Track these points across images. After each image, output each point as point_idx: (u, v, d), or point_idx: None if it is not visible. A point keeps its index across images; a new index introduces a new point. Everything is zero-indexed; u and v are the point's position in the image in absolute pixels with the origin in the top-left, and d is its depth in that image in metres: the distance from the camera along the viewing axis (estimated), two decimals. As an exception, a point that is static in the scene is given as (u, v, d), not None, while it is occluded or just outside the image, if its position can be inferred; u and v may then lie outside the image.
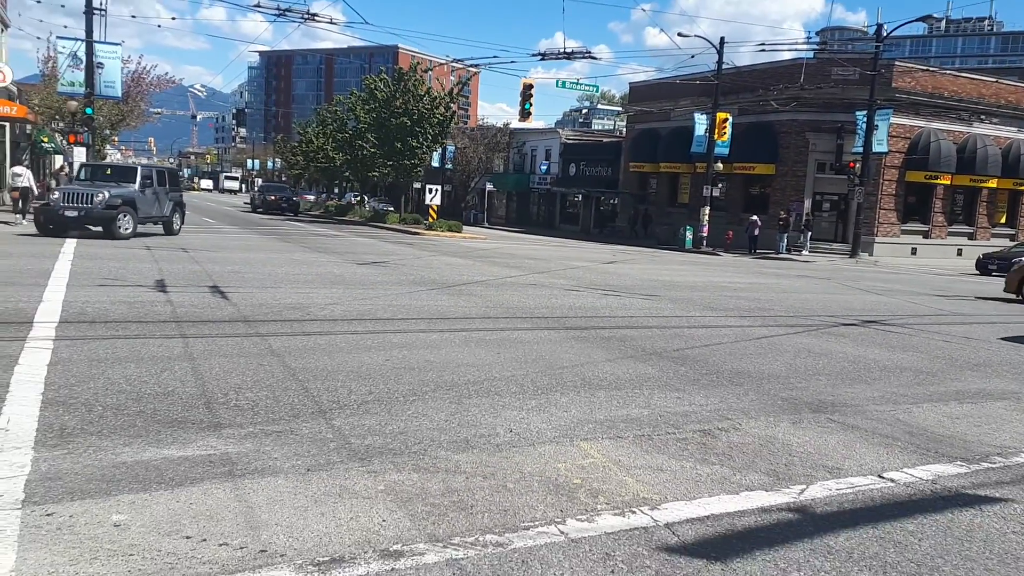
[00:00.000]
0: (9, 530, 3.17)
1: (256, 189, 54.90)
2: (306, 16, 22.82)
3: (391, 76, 38.92)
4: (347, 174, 49.09)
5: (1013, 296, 17.54)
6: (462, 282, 13.89)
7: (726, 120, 33.63)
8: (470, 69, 36.15)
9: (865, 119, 30.73)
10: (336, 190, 63.35)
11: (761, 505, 3.94)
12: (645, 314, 11.16)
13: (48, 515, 3.33)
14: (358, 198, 51.86)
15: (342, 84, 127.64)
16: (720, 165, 34.70)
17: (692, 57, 37.86)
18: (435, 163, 44.22)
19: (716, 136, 33.45)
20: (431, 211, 34.68)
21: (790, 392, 6.58)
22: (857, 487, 4.30)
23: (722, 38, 33.09)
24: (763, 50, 29.93)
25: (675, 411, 5.73)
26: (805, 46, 40.02)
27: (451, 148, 48.13)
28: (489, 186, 54.95)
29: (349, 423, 4.91)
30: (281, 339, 7.49)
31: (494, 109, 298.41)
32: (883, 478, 4.49)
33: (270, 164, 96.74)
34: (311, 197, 61.27)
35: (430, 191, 35.14)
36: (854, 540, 3.57)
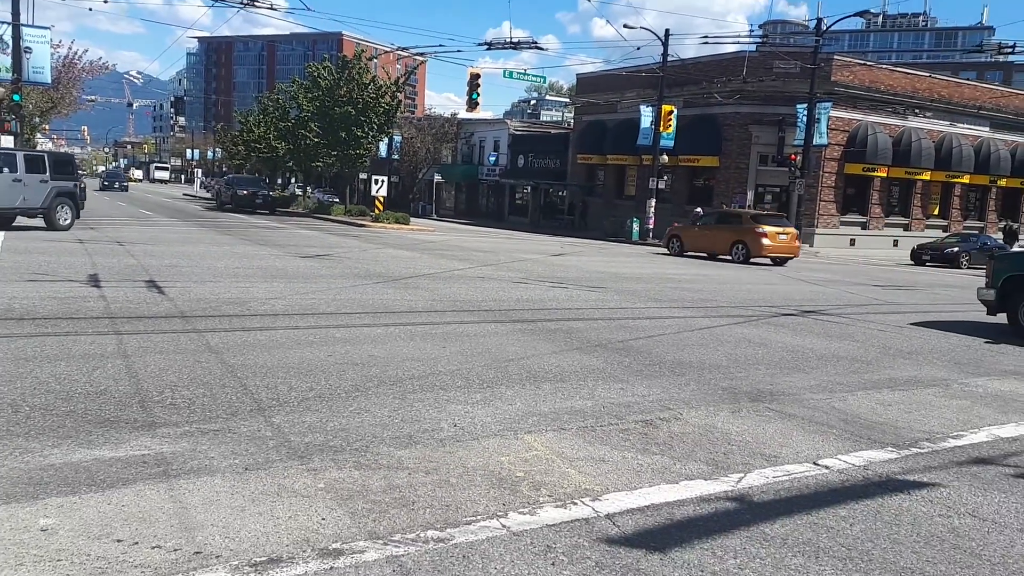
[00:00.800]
0: (-75, 539, 3.03)
1: (223, 181, 47.56)
2: (246, 2, 22.26)
3: (335, 64, 38.34)
4: (290, 164, 48.16)
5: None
6: (408, 275, 13.79)
7: (671, 112, 34.05)
8: (416, 58, 35.86)
9: (806, 112, 31.47)
10: (279, 181, 62.23)
11: (700, 494, 4.01)
12: (591, 306, 11.25)
13: (-32, 522, 3.19)
14: (302, 189, 51.00)
15: (285, 72, 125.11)
16: (665, 157, 35.15)
17: (638, 49, 38.45)
18: (381, 153, 43.79)
19: (662, 128, 33.85)
20: (377, 203, 34.30)
21: (730, 382, 6.71)
22: (793, 474, 4.41)
23: (667, 30, 33.48)
24: (707, 43, 30.37)
25: (618, 402, 5.78)
26: (748, 39, 40.80)
27: (398, 138, 47.69)
28: (437, 177, 54.65)
29: (289, 420, 4.82)
30: (219, 335, 7.32)
31: (442, 99, 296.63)
32: (818, 465, 4.61)
33: (210, 154, 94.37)
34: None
35: (376, 182, 34.73)
36: (789, 526, 3.66)
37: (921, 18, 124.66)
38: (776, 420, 5.57)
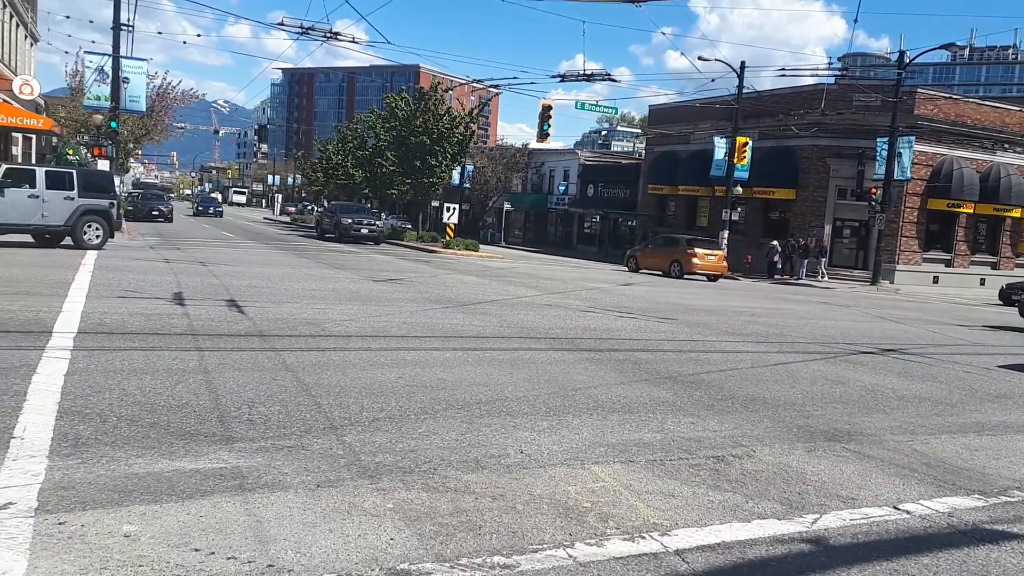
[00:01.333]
0: (21, 538, 3.19)
1: (325, 209, 43.27)
2: (329, 35, 23.12)
3: (412, 95, 39.34)
4: (366, 191, 49.44)
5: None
6: (477, 301, 13.91)
7: (746, 144, 33.61)
8: (491, 90, 36.46)
9: (887, 146, 30.59)
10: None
11: (773, 534, 3.89)
12: (660, 337, 11.11)
13: (60, 524, 3.35)
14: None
15: (363, 102, 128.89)
16: (740, 189, 34.63)
17: (712, 81, 38.41)
18: (454, 182, 44.50)
19: (736, 160, 33.43)
20: (448, 229, 34.84)
21: (806, 420, 6.51)
22: (872, 518, 4.24)
23: (743, 62, 33.19)
24: (784, 75, 30.06)
25: (688, 436, 5.68)
26: (827, 72, 40.08)
27: (470, 167, 48.41)
28: (507, 205, 55.18)
29: (360, 440, 4.91)
30: (295, 354, 7.52)
31: (513, 129, 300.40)
32: (898, 509, 4.42)
33: (290, 180, 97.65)
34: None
35: (448, 209, 35.31)
36: (867, 572, 3.51)
37: (1011, 51, 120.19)
38: (854, 461, 5.37)
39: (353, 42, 24.94)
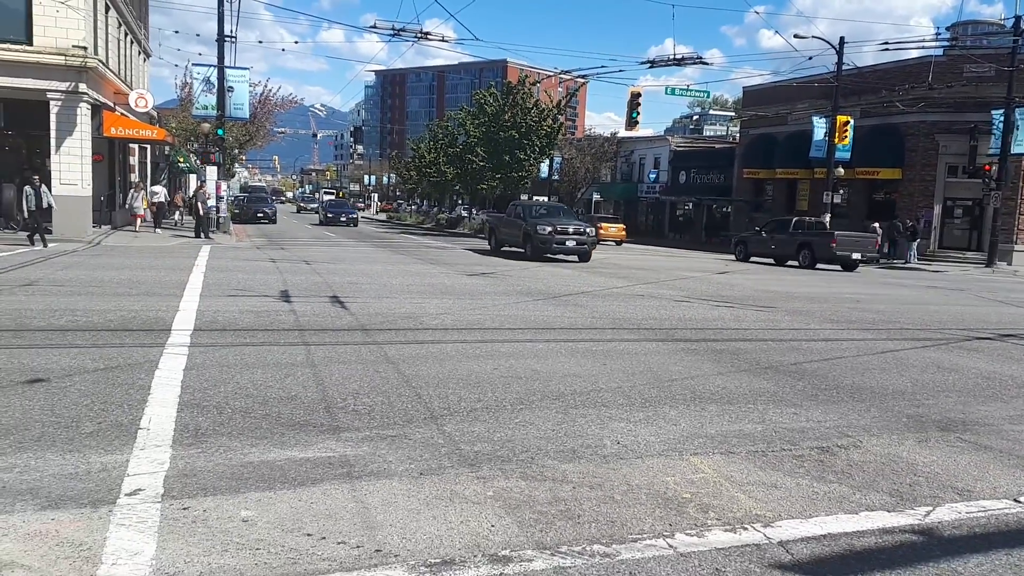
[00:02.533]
0: (151, 521, 3.44)
1: (494, 214, 35.83)
2: (419, 35, 23.57)
3: (500, 90, 39.60)
4: (457, 187, 50.17)
5: None
6: (568, 292, 13.92)
7: (847, 123, 32.17)
8: (578, 80, 36.23)
9: (1002, 118, 28.65)
10: (447, 203, 64.94)
11: (882, 526, 3.76)
12: (760, 326, 10.83)
13: (184, 509, 3.59)
14: (467, 210, 52.92)
15: (453, 100, 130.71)
16: (841, 170, 33.20)
17: (810, 59, 36.65)
18: (542, 174, 44.57)
19: (836, 140, 32.05)
20: (539, 222, 34.82)
21: (916, 409, 6.22)
22: (989, 511, 4.03)
23: (842, 38, 31.74)
24: (887, 49, 28.45)
25: (791, 427, 5.53)
26: (934, 43, 37.68)
27: (558, 159, 48.38)
28: (596, 196, 54.83)
29: (459, 429, 5.03)
30: (395, 347, 7.76)
31: (602, 118, 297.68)
32: (1019, 502, 4.18)
33: (385, 179, 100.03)
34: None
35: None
36: (985, 566, 3.34)
37: None
38: (969, 452, 5.10)
39: (443, 40, 25.46)
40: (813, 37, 31.58)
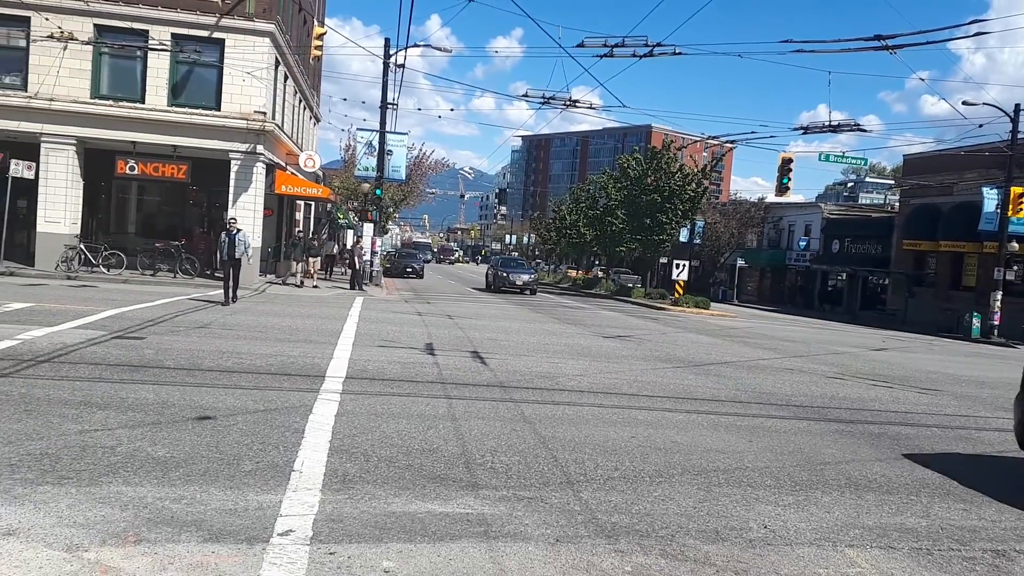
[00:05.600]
0: (300, 563, 3.59)
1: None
2: (568, 103, 24.17)
3: (644, 154, 39.70)
4: (595, 249, 50.28)
5: None
6: (709, 361, 13.49)
7: (1023, 195, 29.67)
8: (725, 145, 35.74)
9: None
10: (584, 263, 65.21)
11: (1078, 652, 3.31)
12: (923, 410, 10.01)
13: (331, 554, 3.73)
14: (604, 272, 52.81)
15: (595, 163, 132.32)
16: (1015, 245, 30.52)
17: (979, 127, 34.13)
18: (683, 238, 43.91)
19: (1011, 212, 29.58)
20: (677, 286, 34.27)
21: (1115, 518, 5.49)
22: None
23: (1017, 105, 29.56)
24: (1071, 115, 26.17)
25: (960, 524, 5.03)
26: None
27: (700, 223, 47.55)
28: (740, 262, 53.19)
29: (596, 497, 4.94)
30: (532, 406, 7.78)
31: (747, 183, 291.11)
32: None
33: (525, 239, 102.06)
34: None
35: (677, 266, 34.80)
36: None
37: None
38: None
39: (591, 108, 25.83)
40: (984, 104, 29.60)
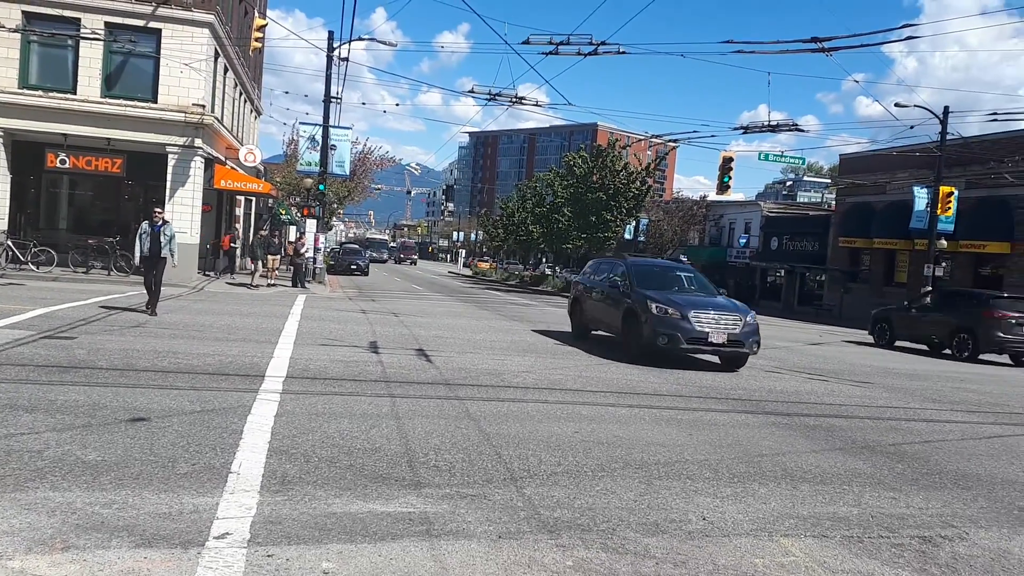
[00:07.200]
0: (236, 567, 3.51)
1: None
2: (514, 100, 24.18)
3: (590, 153, 40.06)
4: (542, 246, 50.58)
5: None
6: (655, 357, 13.66)
7: (951, 194, 30.88)
8: (668, 144, 36.29)
9: (1126, 192, 26.92)
10: (531, 260, 65.54)
11: (995, 632, 3.46)
12: (856, 403, 10.34)
13: (268, 556, 3.66)
14: (551, 269, 53.14)
15: (543, 161, 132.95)
16: (944, 242, 31.76)
17: (911, 128, 35.60)
18: (628, 236, 44.48)
19: (939, 211, 30.78)
20: (624, 284, 34.71)
21: (1032, 503, 5.76)
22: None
23: (946, 107, 30.76)
24: (995, 119, 27.33)
25: (890, 513, 5.22)
26: (1048, 113, 35.98)
27: (644, 221, 48.24)
28: (683, 258, 54.15)
29: (539, 493, 4.96)
30: (477, 404, 7.78)
31: (691, 181, 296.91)
32: None
33: (472, 236, 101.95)
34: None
35: (623, 264, 35.24)
36: None
37: None
38: (1096, 556, 4.67)
39: (536, 105, 26.00)
40: (915, 106, 30.67)
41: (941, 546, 4.62)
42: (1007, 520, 5.27)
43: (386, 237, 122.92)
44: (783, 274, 49.03)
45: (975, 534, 4.90)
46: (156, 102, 23.24)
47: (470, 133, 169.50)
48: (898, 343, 22.08)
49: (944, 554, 4.48)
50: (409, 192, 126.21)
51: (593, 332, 15.43)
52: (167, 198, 23.42)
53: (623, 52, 19.05)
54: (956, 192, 31.27)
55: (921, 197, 32.24)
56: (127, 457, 5.02)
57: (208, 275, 26.67)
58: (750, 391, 10.42)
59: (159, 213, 14.44)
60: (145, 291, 14.31)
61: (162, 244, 14.06)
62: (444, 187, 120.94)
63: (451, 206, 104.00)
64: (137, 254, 14.19)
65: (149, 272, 14.03)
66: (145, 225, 14.26)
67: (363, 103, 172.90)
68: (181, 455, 5.16)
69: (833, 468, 6.34)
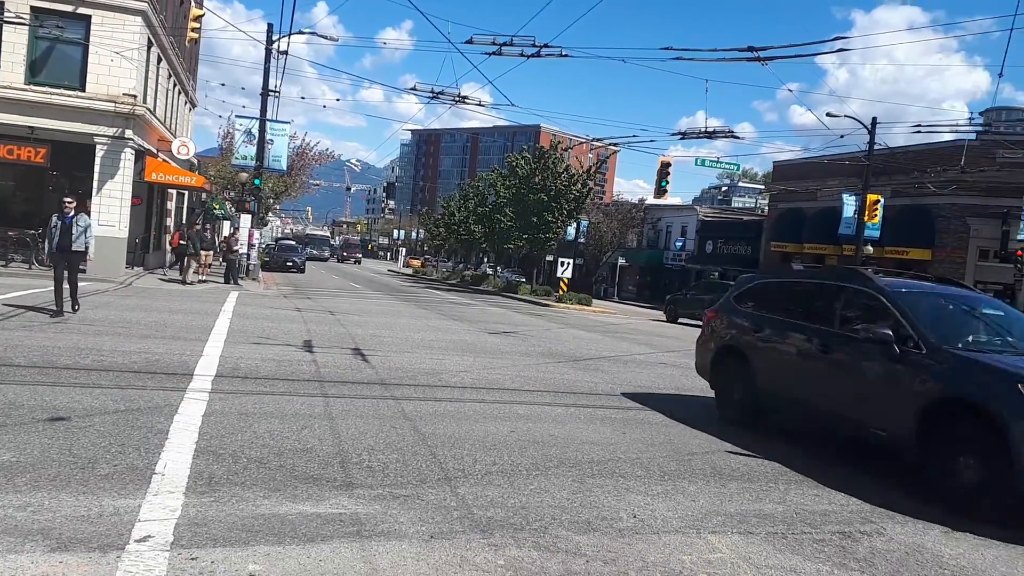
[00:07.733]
0: (158, 570, 3.41)
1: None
2: (457, 99, 24.11)
3: (532, 154, 40.24)
4: (484, 245, 50.62)
5: None
6: (589, 356, 13.83)
7: (877, 202, 32.13)
8: (609, 148, 36.75)
9: (1036, 204, 28.45)
10: (472, 259, 65.52)
11: (907, 622, 3.61)
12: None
13: (192, 559, 3.56)
14: (492, 269, 53.23)
15: (485, 161, 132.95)
16: (870, 248, 33.03)
17: (841, 137, 36.80)
18: (568, 237, 44.84)
19: (866, 218, 31.98)
20: (562, 284, 35.02)
21: (944, 498, 6.02)
22: (1022, 613, 3.85)
23: (874, 118, 31.95)
24: (919, 131, 28.55)
25: (812, 509, 5.39)
26: (967, 127, 37.93)
27: (585, 223, 48.70)
28: (621, 260, 54.92)
29: (473, 492, 4.96)
30: (413, 403, 7.73)
31: (630, 185, 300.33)
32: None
33: (414, 234, 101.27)
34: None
35: (562, 264, 35.57)
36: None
37: None
38: (998, 546, 4.91)
39: (479, 104, 25.94)
40: (845, 116, 31.81)
41: (860, 541, 4.80)
42: (922, 514, 5.48)
43: (327, 233, 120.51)
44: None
45: (892, 529, 5.11)
46: (84, 91, 22.34)
47: (412, 131, 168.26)
48: (680, 319, 30.39)
49: (863, 548, 4.65)
50: (348, 188, 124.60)
51: (773, 413, 8.17)
52: (95, 190, 22.55)
53: (565, 55, 19.21)
54: (882, 200, 32.55)
55: (849, 204, 33.48)
56: (44, 458, 4.82)
57: (137, 269, 25.81)
58: (681, 389, 10.61)
59: (69, 203, 12.73)
60: (54, 294, 12.51)
61: (74, 236, 12.55)
62: (385, 184, 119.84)
63: (392, 203, 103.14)
64: (46, 247, 12.64)
65: (59, 267, 12.53)
66: (54, 218, 12.68)
67: (303, 97, 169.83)
68: (102, 456, 4.99)
69: (761, 466, 6.51)
